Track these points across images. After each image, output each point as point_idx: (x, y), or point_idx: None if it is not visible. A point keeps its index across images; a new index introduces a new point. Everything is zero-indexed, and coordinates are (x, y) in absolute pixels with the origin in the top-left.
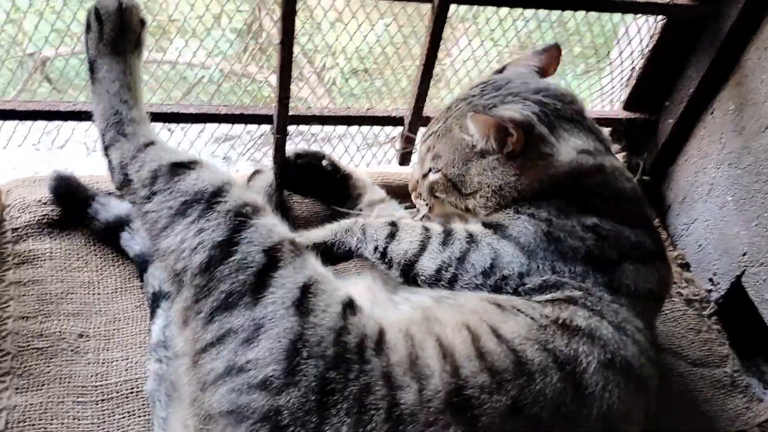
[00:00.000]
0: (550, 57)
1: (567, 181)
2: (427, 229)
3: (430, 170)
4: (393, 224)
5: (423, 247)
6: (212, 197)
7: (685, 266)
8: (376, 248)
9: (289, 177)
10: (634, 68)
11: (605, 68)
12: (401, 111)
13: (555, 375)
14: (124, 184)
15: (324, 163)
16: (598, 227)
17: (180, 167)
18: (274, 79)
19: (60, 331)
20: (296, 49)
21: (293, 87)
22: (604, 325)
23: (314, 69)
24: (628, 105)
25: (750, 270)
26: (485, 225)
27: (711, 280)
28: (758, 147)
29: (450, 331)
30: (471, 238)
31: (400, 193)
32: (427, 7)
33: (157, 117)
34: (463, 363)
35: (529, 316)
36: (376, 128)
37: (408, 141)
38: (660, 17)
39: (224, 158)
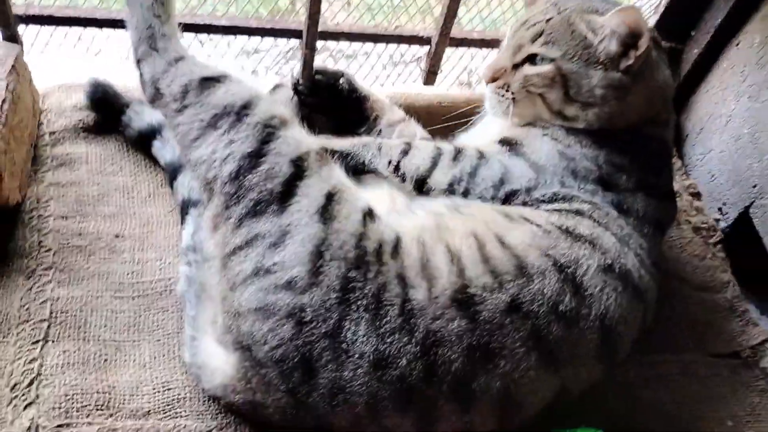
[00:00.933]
0: None
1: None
2: (438, 147)
3: (528, 59)
4: (407, 143)
5: (435, 163)
6: (241, 110)
7: (696, 195)
8: (389, 162)
9: (308, 94)
10: None
11: None
12: (429, 30)
13: (553, 277)
14: (156, 98)
15: (341, 81)
16: (624, 166)
17: (209, 81)
18: None
19: (97, 231)
20: None
21: None
22: (607, 235)
23: None
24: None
25: (758, 202)
26: (500, 142)
27: (720, 209)
28: None
29: (458, 239)
30: (481, 155)
31: (422, 113)
32: None
33: (188, 28)
34: (468, 266)
35: (535, 224)
36: (402, 47)
37: (435, 61)
38: None
39: (252, 72)
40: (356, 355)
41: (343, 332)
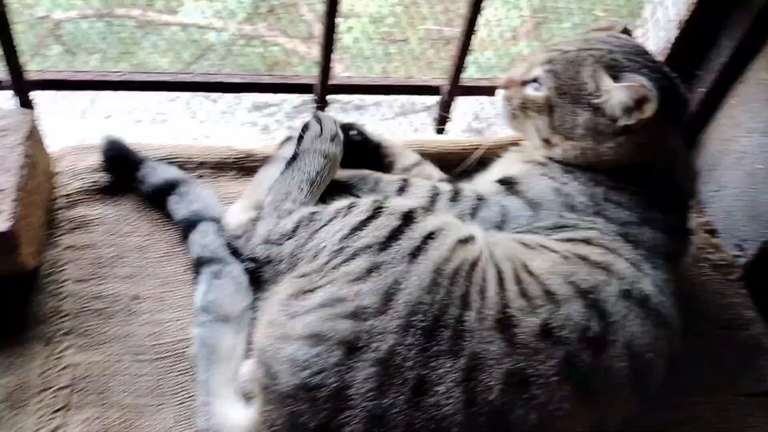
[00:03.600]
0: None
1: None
2: (436, 186)
3: (533, 81)
4: (404, 180)
5: (432, 202)
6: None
7: (712, 232)
8: (385, 198)
9: None
10: (669, 38)
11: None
12: (439, 81)
13: (578, 303)
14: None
15: (351, 133)
16: (623, 203)
17: None
18: (284, 41)
19: (115, 293)
20: (304, 9)
21: (304, 48)
22: (620, 261)
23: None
24: None
25: None
26: (500, 181)
27: (738, 246)
28: None
29: (500, 262)
30: (480, 197)
31: (434, 160)
32: None
33: (201, 86)
34: (508, 287)
35: (552, 250)
36: (413, 97)
37: (445, 109)
38: None
39: (263, 127)
40: (398, 382)
41: (392, 357)
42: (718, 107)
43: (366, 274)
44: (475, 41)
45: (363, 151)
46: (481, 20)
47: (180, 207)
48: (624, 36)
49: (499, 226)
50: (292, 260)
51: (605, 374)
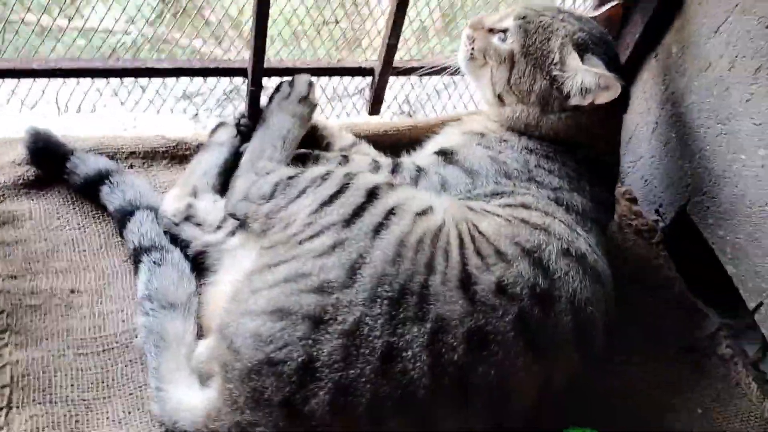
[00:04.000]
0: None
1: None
2: (376, 160)
3: (502, 31)
4: (344, 156)
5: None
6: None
7: (633, 200)
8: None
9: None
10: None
11: None
12: (371, 62)
13: (525, 261)
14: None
15: None
16: (553, 171)
17: None
18: (198, 43)
19: (51, 288)
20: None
21: (211, 49)
22: (557, 222)
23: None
24: None
25: (694, 199)
26: (437, 153)
27: (657, 211)
28: (699, 86)
29: (458, 222)
30: (419, 168)
31: (370, 142)
32: None
33: (130, 72)
34: (467, 245)
35: (496, 214)
36: (345, 80)
37: (378, 91)
38: None
39: (194, 115)
40: (367, 351)
41: (360, 328)
42: (634, 81)
43: (330, 249)
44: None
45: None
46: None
47: (114, 197)
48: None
49: (439, 192)
50: (266, 222)
51: (553, 330)
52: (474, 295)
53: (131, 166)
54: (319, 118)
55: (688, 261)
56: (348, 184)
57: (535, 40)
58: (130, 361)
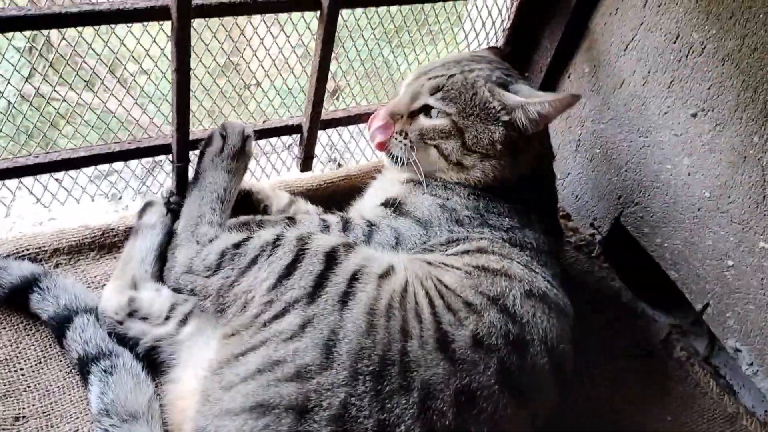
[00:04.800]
0: (498, 53)
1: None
2: (324, 219)
3: (425, 109)
4: (289, 218)
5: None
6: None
7: (567, 217)
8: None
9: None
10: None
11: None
12: (298, 119)
13: (493, 310)
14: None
15: None
16: (503, 212)
17: None
18: (73, 96)
19: None
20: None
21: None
22: (515, 264)
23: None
24: None
25: (627, 210)
26: (384, 204)
27: (592, 224)
28: (616, 102)
29: (423, 281)
30: (370, 223)
31: (305, 197)
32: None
33: (45, 167)
34: (437, 302)
35: (455, 267)
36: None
37: (308, 146)
38: None
39: (112, 195)
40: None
41: (347, 411)
42: None
43: (300, 330)
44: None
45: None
46: None
47: (46, 305)
48: (484, 53)
49: (394, 248)
50: (219, 300)
51: (531, 372)
52: (453, 353)
53: (56, 265)
54: (250, 181)
55: (627, 268)
56: (303, 250)
57: (465, 100)
58: None
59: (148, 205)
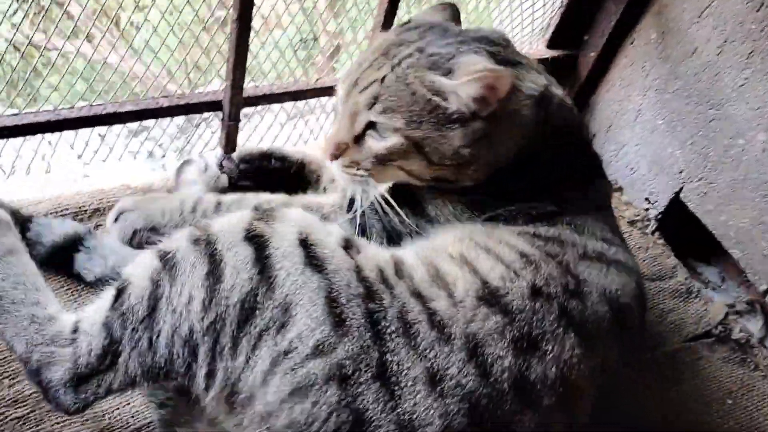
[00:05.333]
0: (452, 15)
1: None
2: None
3: (369, 127)
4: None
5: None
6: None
7: (619, 190)
8: None
9: (238, 179)
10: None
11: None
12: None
13: (551, 263)
14: None
15: (272, 162)
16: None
17: None
18: (69, 48)
19: None
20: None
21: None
22: (568, 231)
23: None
24: (551, 43)
25: (688, 186)
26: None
27: (647, 199)
28: (686, 71)
29: (452, 246)
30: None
31: None
32: None
33: (90, 121)
34: (479, 263)
35: (507, 230)
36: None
37: None
38: None
39: (149, 154)
40: (409, 383)
41: (389, 366)
42: (610, 69)
43: (284, 313)
44: None
45: (284, 173)
46: None
47: (93, 264)
48: (419, 19)
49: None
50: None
51: (594, 318)
52: (507, 306)
53: (97, 227)
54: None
55: (684, 245)
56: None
57: (407, 104)
58: None
59: (186, 163)
